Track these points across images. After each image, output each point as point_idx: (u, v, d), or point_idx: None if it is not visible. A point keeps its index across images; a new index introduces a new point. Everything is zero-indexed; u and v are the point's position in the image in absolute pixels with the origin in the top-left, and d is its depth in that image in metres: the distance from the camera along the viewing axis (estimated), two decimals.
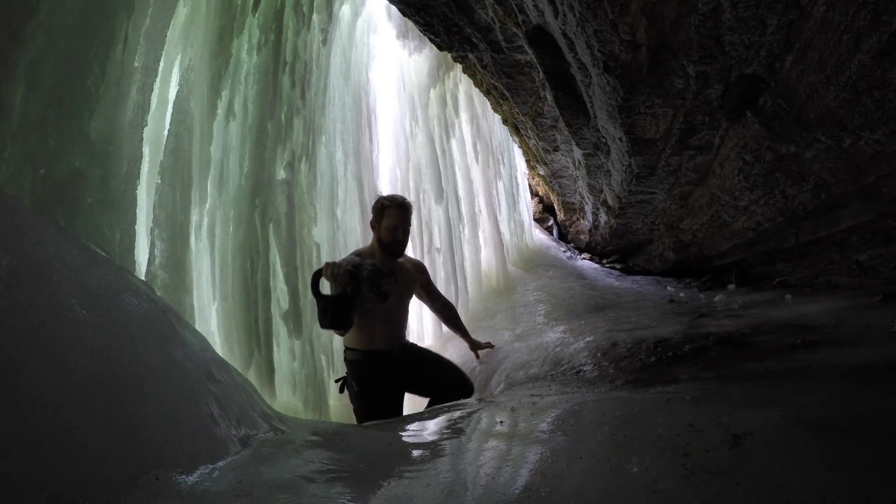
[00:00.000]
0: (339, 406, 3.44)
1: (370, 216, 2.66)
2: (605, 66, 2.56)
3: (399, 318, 2.62)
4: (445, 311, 2.96)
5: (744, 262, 4.47)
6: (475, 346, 3.01)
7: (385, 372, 2.47)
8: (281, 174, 3.27)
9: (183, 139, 2.59)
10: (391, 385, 2.49)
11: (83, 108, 1.85)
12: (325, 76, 3.93)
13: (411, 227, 2.73)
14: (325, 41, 3.84)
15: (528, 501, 0.84)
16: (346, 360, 2.55)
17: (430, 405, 2.56)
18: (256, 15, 3.14)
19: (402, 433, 1.48)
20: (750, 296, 3.98)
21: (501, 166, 6.57)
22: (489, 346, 3.08)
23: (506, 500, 0.86)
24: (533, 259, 6.25)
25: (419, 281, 2.79)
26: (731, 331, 2.86)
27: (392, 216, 2.55)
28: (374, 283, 2.41)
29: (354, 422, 3.30)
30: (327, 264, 2.31)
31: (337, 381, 2.66)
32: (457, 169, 5.98)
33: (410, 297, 2.77)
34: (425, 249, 5.08)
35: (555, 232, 7.94)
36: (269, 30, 3.21)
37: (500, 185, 6.48)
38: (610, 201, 4.76)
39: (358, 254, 2.55)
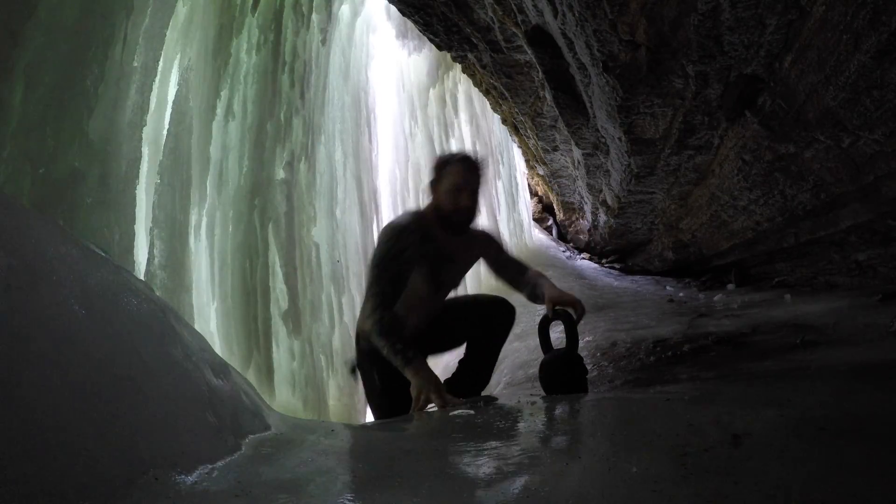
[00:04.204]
0: (338, 406, 3.44)
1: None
2: (605, 65, 2.56)
3: (439, 305, 2.11)
4: (525, 279, 2.08)
5: (743, 262, 4.48)
6: (554, 297, 1.91)
7: None
8: (280, 174, 3.27)
9: (182, 139, 2.58)
10: None
11: (82, 108, 1.85)
12: (324, 76, 3.92)
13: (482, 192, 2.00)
14: (324, 41, 3.84)
15: (527, 501, 0.84)
16: (360, 348, 2.07)
17: (468, 350, 2.16)
18: (256, 14, 3.14)
19: (402, 433, 1.48)
20: (749, 295, 3.98)
21: (501, 166, 6.58)
22: (573, 301, 1.91)
23: (505, 499, 0.86)
24: (532, 259, 6.25)
25: (486, 257, 2.14)
26: (731, 330, 2.86)
27: (454, 173, 1.91)
28: (433, 270, 1.91)
29: (353, 422, 3.31)
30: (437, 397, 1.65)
31: (346, 362, 2.22)
32: None
33: (466, 270, 2.21)
34: None
35: (554, 232, 7.94)
36: (268, 29, 3.20)
37: (500, 184, 6.49)
38: (609, 201, 4.76)
39: (415, 214, 1.99)
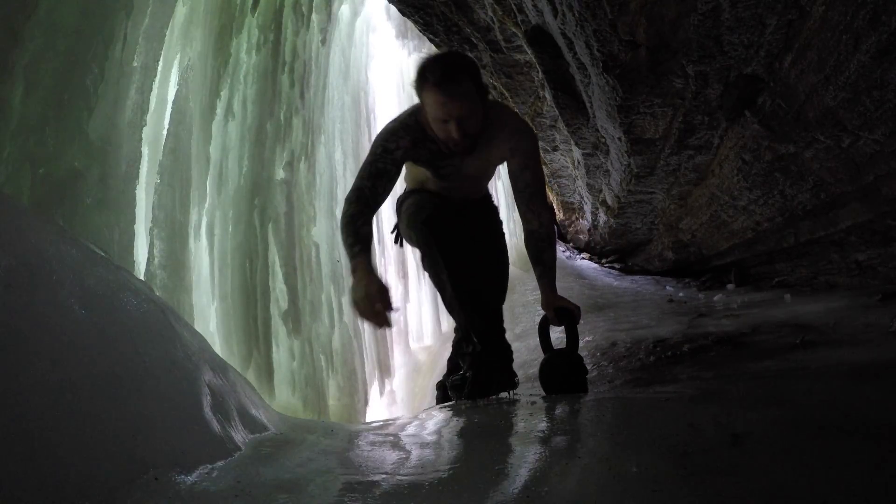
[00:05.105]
0: (338, 406, 3.44)
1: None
2: (605, 65, 2.56)
3: (468, 185, 2.01)
4: (531, 233, 1.93)
5: (743, 262, 4.47)
6: (550, 302, 1.89)
7: (442, 208, 1.88)
8: (280, 174, 3.27)
9: (182, 139, 2.58)
10: (451, 220, 1.88)
11: (82, 108, 1.85)
12: (324, 76, 3.92)
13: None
14: (324, 41, 3.84)
15: (526, 501, 0.84)
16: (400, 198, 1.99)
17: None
18: (255, 14, 3.14)
19: (402, 432, 1.48)
20: (749, 295, 3.98)
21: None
22: (571, 307, 1.90)
23: (504, 499, 0.86)
24: None
25: (509, 162, 1.90)
26: (730, 331, 2.86)
27: (431, 104, 1.62)
28: (433, 166, 1.83)
29: (353, 422, 3.30)
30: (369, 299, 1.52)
31: (392, 231, 2.20)
32: None
33: (488, 170, 2.06)
34: None
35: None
36: (268, 29, 3.20)
37: (500, 184, 6.48)
38: (609, 201, 4.76)
39: (412, 113, 1.78)
